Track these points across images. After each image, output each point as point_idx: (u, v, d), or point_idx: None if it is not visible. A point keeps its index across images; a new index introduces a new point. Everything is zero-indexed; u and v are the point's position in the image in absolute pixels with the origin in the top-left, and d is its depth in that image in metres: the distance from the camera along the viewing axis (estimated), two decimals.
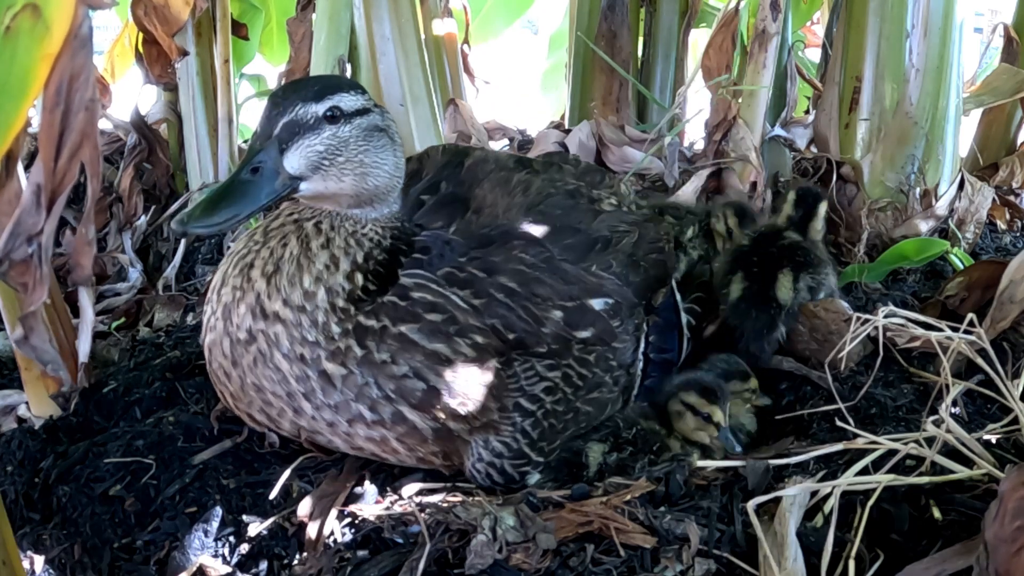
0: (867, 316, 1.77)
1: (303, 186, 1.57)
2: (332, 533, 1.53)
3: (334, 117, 1.57)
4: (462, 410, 1.62)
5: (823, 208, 2.23)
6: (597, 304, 1.77)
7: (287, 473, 1.69)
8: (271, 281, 1.60)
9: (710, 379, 1.84)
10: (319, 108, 1.56)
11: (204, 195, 1.53)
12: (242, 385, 1.65)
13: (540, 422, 1.68)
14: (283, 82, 3.33)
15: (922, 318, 1.78)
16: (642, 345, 1.88)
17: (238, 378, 1.65)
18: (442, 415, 1.61)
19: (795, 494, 1.47)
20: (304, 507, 1.58)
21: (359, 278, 1.62)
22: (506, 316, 1.66)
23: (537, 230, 1.79)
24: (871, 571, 1.38)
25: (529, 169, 1.97)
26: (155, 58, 3.20)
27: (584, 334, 1.74)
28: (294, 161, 1.55)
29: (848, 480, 1.49)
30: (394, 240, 1.69)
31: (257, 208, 1.53)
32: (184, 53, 3.21)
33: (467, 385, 1.62)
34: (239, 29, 3.60)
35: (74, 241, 1.04)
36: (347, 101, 1.59)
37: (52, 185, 0.95)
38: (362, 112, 1.62)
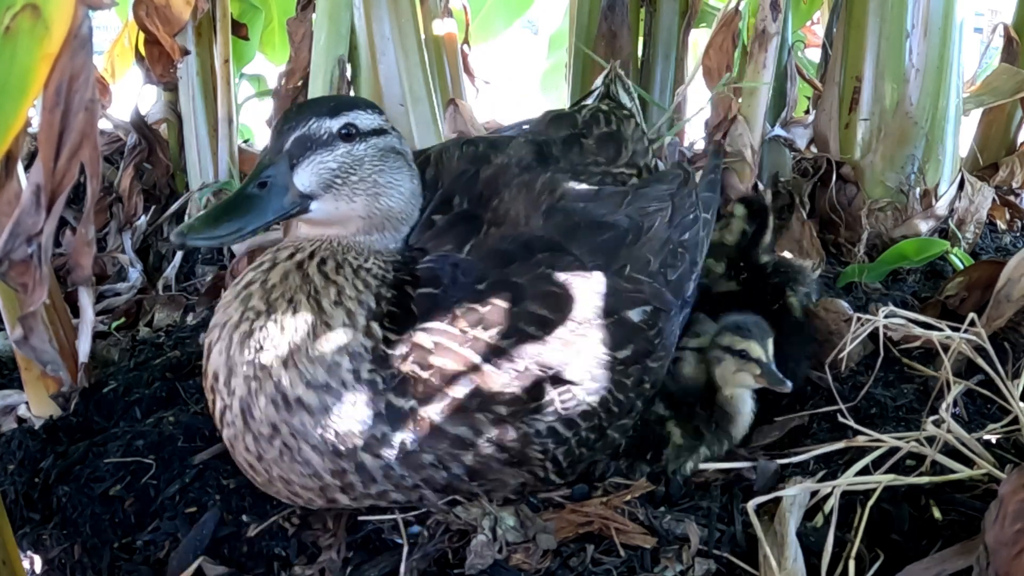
0: (867, 316, 1.77)
1: (314, 206, 1.48)
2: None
3: (349, 135, 1.50)
4: (481, 489, 1.53)
5: (771, 221, 2.19)
6: (634, 316, 1.62)
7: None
8: (288, 364, 1.44)
9: (743, 318, 1.77)
10: (334, 124, 1.49)
11: (208, 206, 1.46)
12: (269, 478, 1.52)
13: (573, 450, 1.57)
14: (283, 82, 3.32)
15: (922, 318, 1.78)
16: (673, 344, 1.76)
17: (264, 471, 1.51)
18: (462, 495, 1.53)
19: (795, 494, 1.47)
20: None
21: (377, 330, 1.47)
22: (540, 352, 1.50)
23: (560, 235, 1.61)
24: (871, 571, 1.38)
25: (551, 160, 1.85)
26: (157, 58, 3.20)
27: (624, 353, 1.59)
28: (305, 178, 1.47)
29: (848, 480, 1.49)
30: (396, 272, 1.55)
31: (262, 224, 1.44)
32: (186, 52, 3.21)
33: (489, 469, 1.51)
34: (239, 29, 3.60)
35: (74, 241, 1.04)
36: (363, 119, 1.52)
37: (52, 185, 0.94)
38: (379, 132, 1.55)
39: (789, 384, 1.70)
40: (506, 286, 1.52)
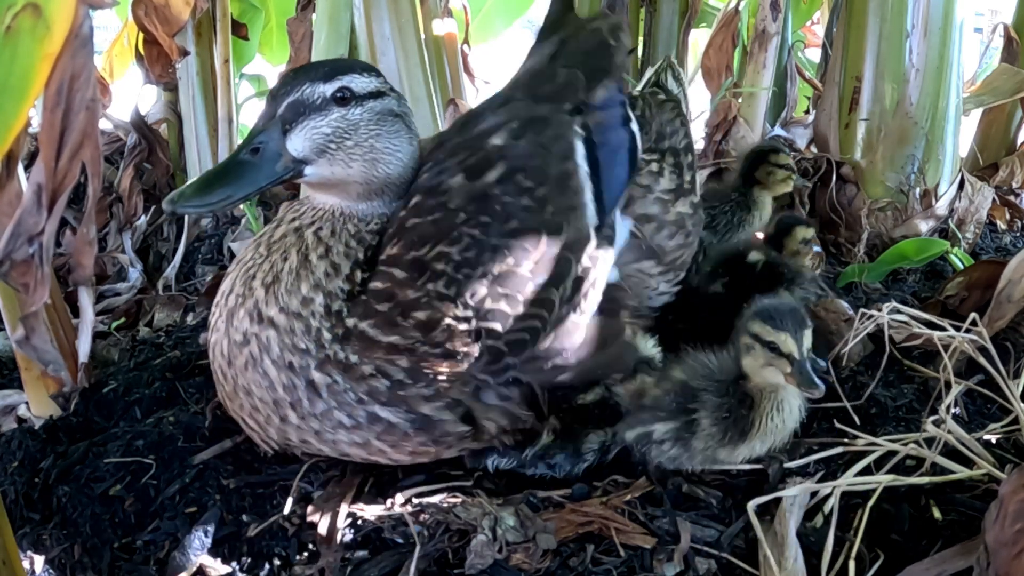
0: (871, 312, 1.76)
1: (308, 170, 1.50)
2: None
3: (344, 99, 1.50)
4: (429, 391, 1.52)
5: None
6: (496, 139, 1.63)
7: (297, 479, 1.68)
8: (269, 289, 1.54)
9: (778, 304, 1.57)
10: (328, 88, 1.49)
11: (202, 174, 1.44)
12: (234, 386, 1.60)
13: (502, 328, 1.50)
14: None
15: (925, 315, 1.78)
16: (579, 149, 1.68)
17: (231, 379, 1.60)
18: (413, 403, 1.52)
19: (795, 495, 1.47)
20: (313, 507, 1.58)
21: (358, 275, 1.56)
22: (421, 231, 1.53)
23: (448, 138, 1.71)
24: (871, 571, 1.38)
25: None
26: (156, 58, 3.20)
27: (492, 176, 1.58)
28: (298, 143, 1.48)
29: (848, 480, 1.49)
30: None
31: (254, 190, 1.47)
32: (185, 53, 3.21)
33: (428, 364, 1.50)
34: (239, 29, 3.60)
35: (74, 241, 1.04)
36: (359, 83, 1.52)
37: (53, 185, 0.94)
38: (375, 95, 1.54)
39: (822, 387, 1.49)
40: (406, 205, 1.58)
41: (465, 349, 1.50)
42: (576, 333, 1.60)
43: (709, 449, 1.57)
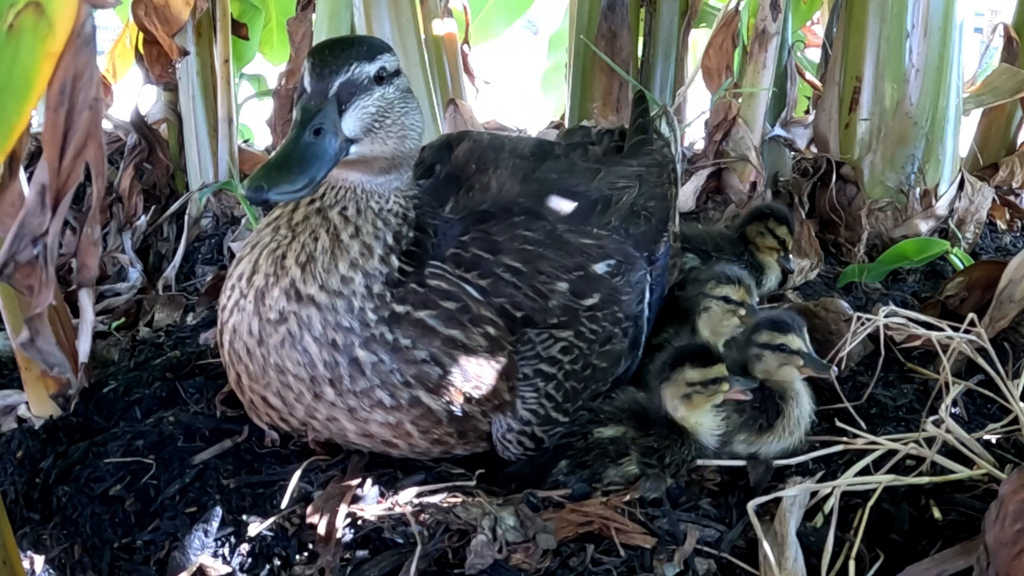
0: (868, 316, 1.77)
1: (353, 149, 1.51)
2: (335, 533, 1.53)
3: (381, 78, 1.53)
4: (476, 393, 1.63)
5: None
6: (600, 268, 1.79)
7: (296, 477, 1.68)
8: (306, 268, 1.57)
9: (776, 313, 1.80)
10: (371, 68, 1.50)
11: (270, 159, 1.40)
12: (264, 364, 1.61)
13: (562, 384, 1.70)
14: (283, 82, 3.33)
15: (923, 317, 1.78)
16: (647, 296, 1.89)
17: (261, 357, 1.61)
18: (458, 398, 1.62)
19: (795, 494, 1.47)
20: (312, 507, 1.58)
21: (394, 260, 1.61)
22: (513, 295, 1.67)
23: (534, 201, 1.80)
24: (871, 571, 1.38)
25: (550, 156, 1.99)
26: (156, 58, 3.20)
27: (591, 300, 1.76)
28: (351, 123, 1.49)
29: (848, 480, 1.49)
30: (418, 212, 1.67)
31: (326, 172, 1.45)
32: (185, 53, 3.20)
33: (480, 369, 1.63)
34: (239, 29, 3.60)
35: (79, 241, 1.03)
36: (390, 61, 1.56)
37: (57, 185, 0.93)
38: (398, 73, 1.59)
39: (835, 369, 1.71)
40: (487, 243, 1.70)
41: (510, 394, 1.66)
42: None
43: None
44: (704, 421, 1.68)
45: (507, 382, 1.66)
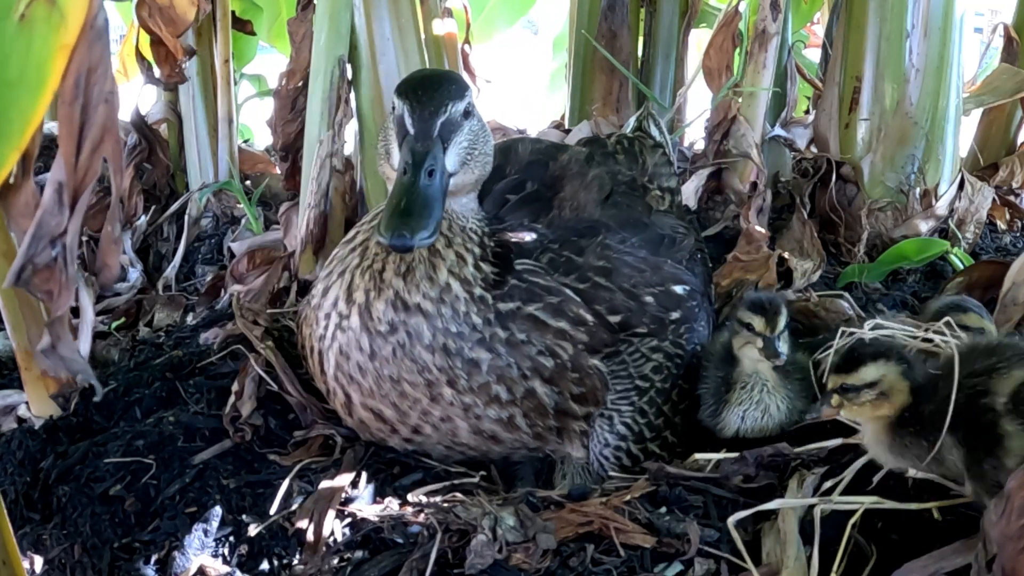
0: (852, 330, 1.75)
1: (452, 181, 1.60)
2: (332, 533, 1.53)
3: (469, 112, 1.63)
4: (577, 389, 1.71)
5: None
6: (679, 289, 1.88)
7: (288, 480, 1.68)
8: (407, 279, 1.63)
9: (764, 294, 1.85)
10: (461, 106, 1.61)
11: (397, 205, 1.49)
12: (378, 378, 1.66)
13: (654, 400, 1.76)
14: (283, 82, 3.32)
15: (907, 328, 1.77)
16: (709, 327, 1.98)
17: (374, 370, 1.65)
18: (566, 389, 1.70)
19: (795, 494, 1.47)
20: (302, 510, 1.58)
21: (486, 266, 1.68)
22: (610, 299, 1.76)
23: (616, 223, 1.90)
24: (868, 568, 1.38)
25: (594, 163, 2.08)
26: (164, 58, 3.19)
27: (675, 315, 1.85)
28: (452, 159, 1.59)
29: (847, 480, 1.49)
30: (493, 230, 1.76)
31: (443, 208, 1.56)
32: (192, 52, 3.19)
33: (587, 360, 1.71)
34: (244, 25, 3.59)
35: (100, 241, 1.00)
36: (471, 96, 1.66)
37: (74, 182, 0.90)
38: (474, 105, 1.68)
39: (783, 356, 1.71)
40: (578, 250, 1.79)
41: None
42: None
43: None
44: None
45: (608, 382, 1.73)
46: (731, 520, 1.45)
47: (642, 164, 2.20)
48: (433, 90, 1.61)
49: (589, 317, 1.72)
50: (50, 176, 0.91)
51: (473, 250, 1.67)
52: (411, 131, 1.57)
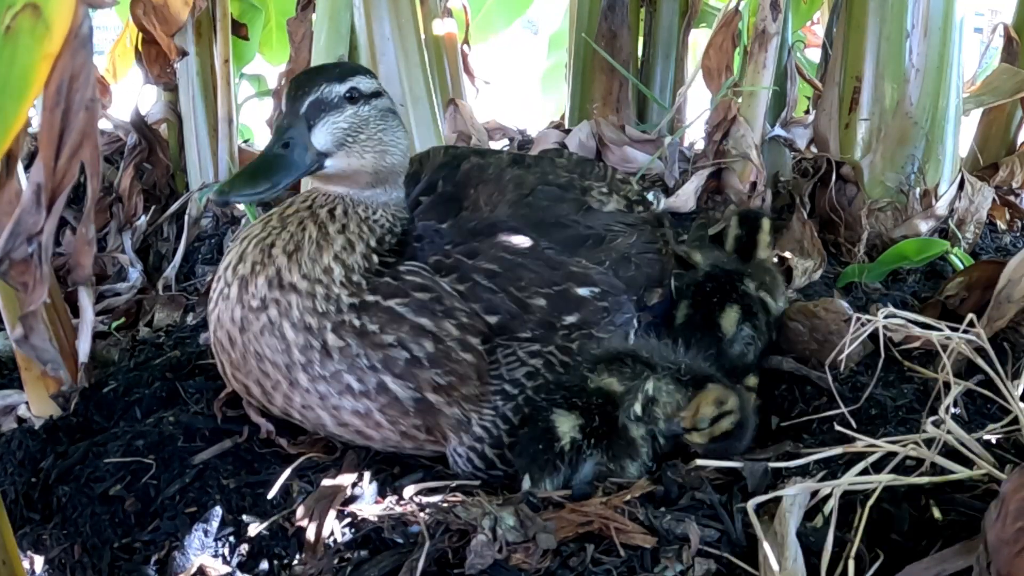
0: (867, 317, 1.76)
1: (328, 162, 1.65)
2: (332, 533, 1.53)
3: (354, 98, 1.67)
4: (441, 380, 1.68)
5: (766, 224, 2.27)
6: (583, 291, 1.82)
7: (286, 474, 1.69)
8: (292, 257, 1.67)
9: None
10: (341, 88, 1.65)
11: (240, 170, 1.60)
12: (244, 353, 1.69)
13: (521, 407, 1.72)
14: (283, 82, 3.33)
15: (921, 319, 1.78)
16: (631, 339, 1.88)
17: (242, 345, 1.69)
18: (423, 385, 1.67)
19: (795, 494, 1.47)
20: (302, 508, 1.58)
21: (374, 257, 1.71)
22: (490, 300, 1.73)
23: (524, 223, 1.87)
24: (871, 571, 1.38)
25: (521, 165, 2.05)
26: (154, 58, 3.20)
27: (570, 319, 1.79)
28: (321, 137, 1.63)
29: (848, 480, 1.49)
30: (404, 225, 1.79)
31: (292, 179, 1.61)
32: (183, 53, 3.20)
33: (447, 358, 1.68)
34: (239, 29, 3.60)
35: (74, 241, 1.04)
36: (364, 83, 1.69)
37: (52, 185, 0.94)
38: (377, 94, 1.72)
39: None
40: (468, 249, 1.77)
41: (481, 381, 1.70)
42: None
43: None
44: None
45: (477, 378, 1.70)
46: (750, 504, 1.45)
47: (597, 169, 2.18)
48: (313, 74, 1.70)
49: (463, 316, 1.69)
50: (30, 177, 0.95)
51: (369, 241, 1.71)
52: (282, 111, 1.65)
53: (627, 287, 1.90)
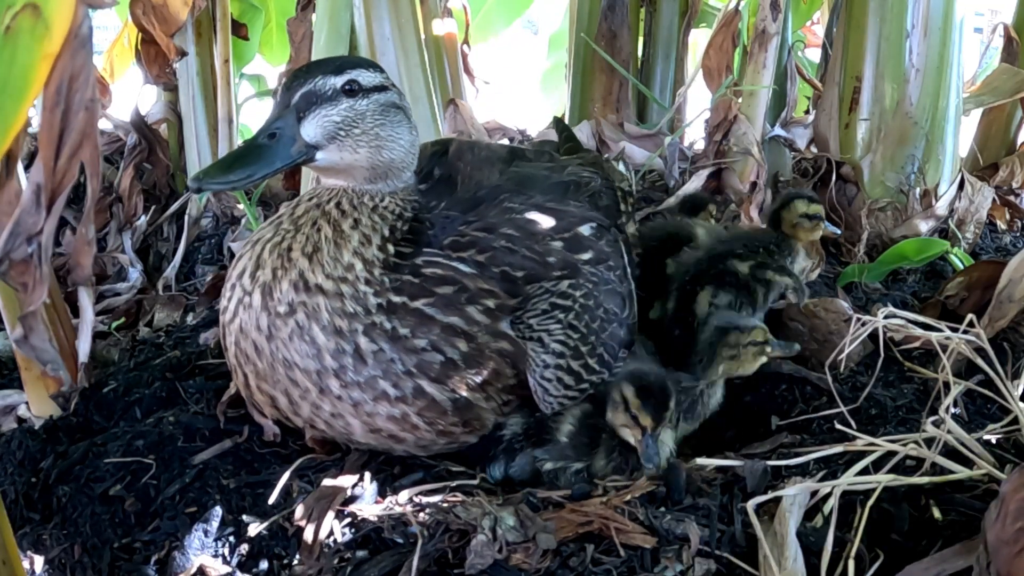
0: (867, 317, 1.76)
1: (319, 155, 1.62)
2: (332, 533, 1.53)
3: (352, 91, 1.63)
4: (478, 379, 1.66)
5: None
6: (585, 230, 1.87)
7: (287, 475, 1.68)
8: (312, 259, 1.63)
9: (655, 376, 1.72)
10: (338, 81, 1.61)
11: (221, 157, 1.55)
12: (272, 362, 1.64)
13: (581, 314, 1.75)
14: (283, 82, 3.33)
15: (921, 319, 1.78)
16: (626, 258, 1.99)
17: (269, 353, 1.63)
18: (460, 387, 1.65)
19: (795, 494, 1.47)
20: (302, 508, 1.58)
21: (391, 248, 1.67)
22: (511, 260, 1.73)
23: (516, 185, 1.91)
24: (871, 571, 1.38)
25: (518, 156, 2.09)
26: (153, 58, 3.20)
27: (586, 256, 1.84)
28: (310, 129, 1.59)
29: (848, 480, 1.49)
30: (415, 211, 1.75)
31: (271, 171, 1.57)
32: (182, 53, 3.20)
33: (481, 355, 1.66)
34: (239, 29, 3.60)
35: (74, 241, 1.04)
36: (365, 77, 1.65)
37: (52, 185, 0.94)
38: (380, 88, 1.67)
39: (653, 466, 1.66)
40: (482, 223, 1.77)
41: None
42: None
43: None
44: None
45: (512, 366, 1.70)
46: (750, 504, 1.45)
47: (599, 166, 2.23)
48: (310, 66, 1.66)
49: (487, 298, 1.68)
50: (30, 177, 0.95)
51: (383, 231, 1.67)
52: (276, 100, 1.62)
53: (606, 217, 2.00)
